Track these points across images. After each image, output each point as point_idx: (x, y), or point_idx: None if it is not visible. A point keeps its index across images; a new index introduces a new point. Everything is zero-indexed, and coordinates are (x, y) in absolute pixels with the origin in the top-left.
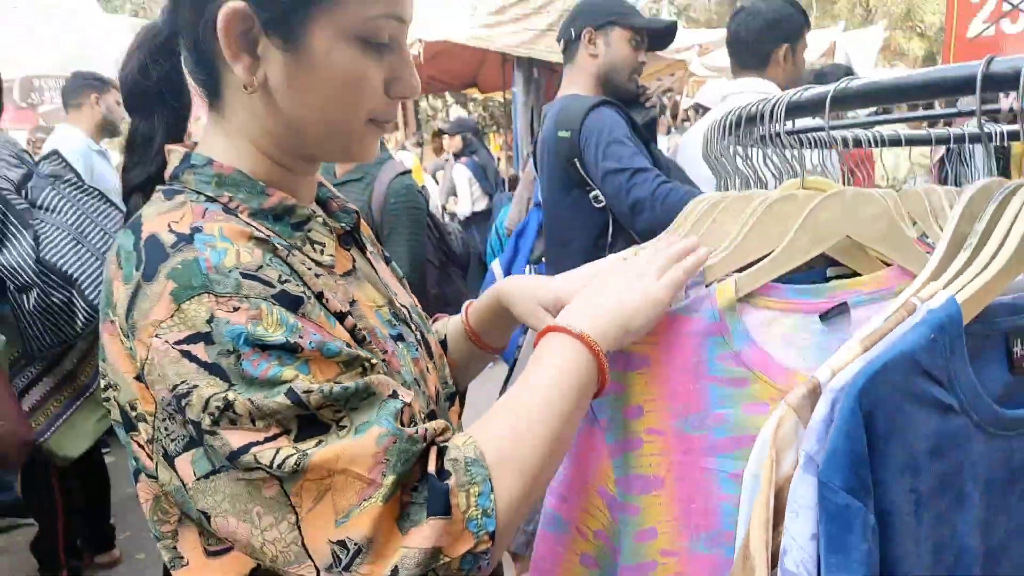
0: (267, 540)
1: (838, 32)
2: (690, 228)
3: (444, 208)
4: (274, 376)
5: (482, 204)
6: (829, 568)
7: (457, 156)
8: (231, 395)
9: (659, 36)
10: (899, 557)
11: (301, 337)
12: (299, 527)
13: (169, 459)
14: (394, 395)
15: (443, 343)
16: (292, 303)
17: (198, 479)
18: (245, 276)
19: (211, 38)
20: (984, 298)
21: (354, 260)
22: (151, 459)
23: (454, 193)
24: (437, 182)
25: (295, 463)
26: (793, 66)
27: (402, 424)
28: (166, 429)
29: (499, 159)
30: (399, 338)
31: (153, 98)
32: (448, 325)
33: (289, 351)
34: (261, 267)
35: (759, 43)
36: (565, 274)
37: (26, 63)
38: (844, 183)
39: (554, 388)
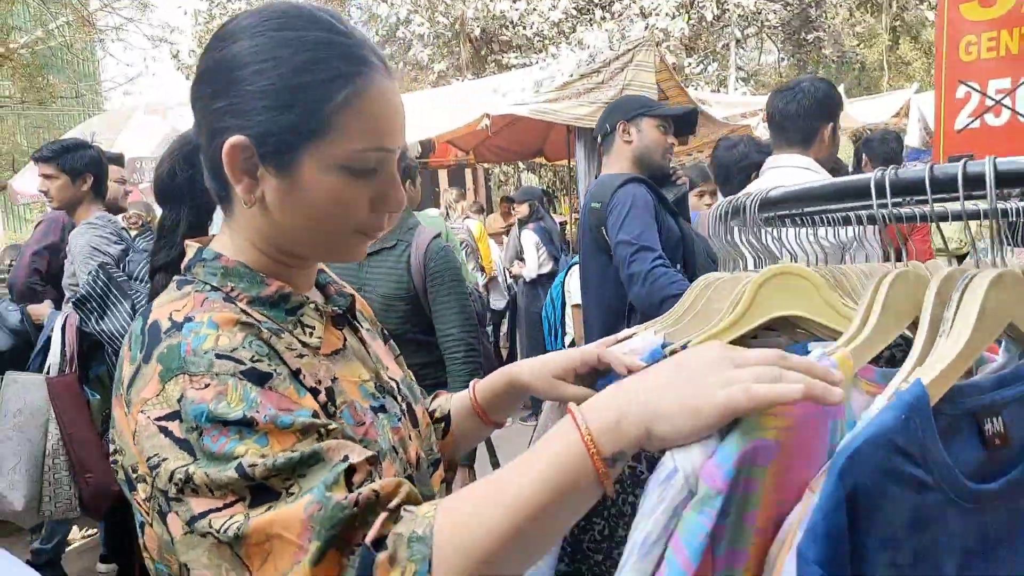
0: None
1: (911, 93)
2: (688, 306)
3: (508, 271)
4: (229, 451)
5: (548, 266)
6: None
7: (524, 222)
8: (192, 468)
9: (684, 123)
10: None
11: (258, 412)
12: None
13: (162, 515)
14: (345, 459)
15: (446, 418)
16: (260, 378)
17: (183, 535)
18: (219, 356)
19: (220, 160)
20: (948, 379)
21: (345, 339)
22: (148, 515)
23: (519, 257)
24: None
25: (237, 529)
26: (833, 144)
27: (349, 486)
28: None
29: (566, 222)
30: (381, 409)
31: (179, 195)
32: (452, 401)
33: (247, 425)
34: (236, 348)
35: (808, 121)
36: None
37: (132, 146)
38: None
39: (532, 479)
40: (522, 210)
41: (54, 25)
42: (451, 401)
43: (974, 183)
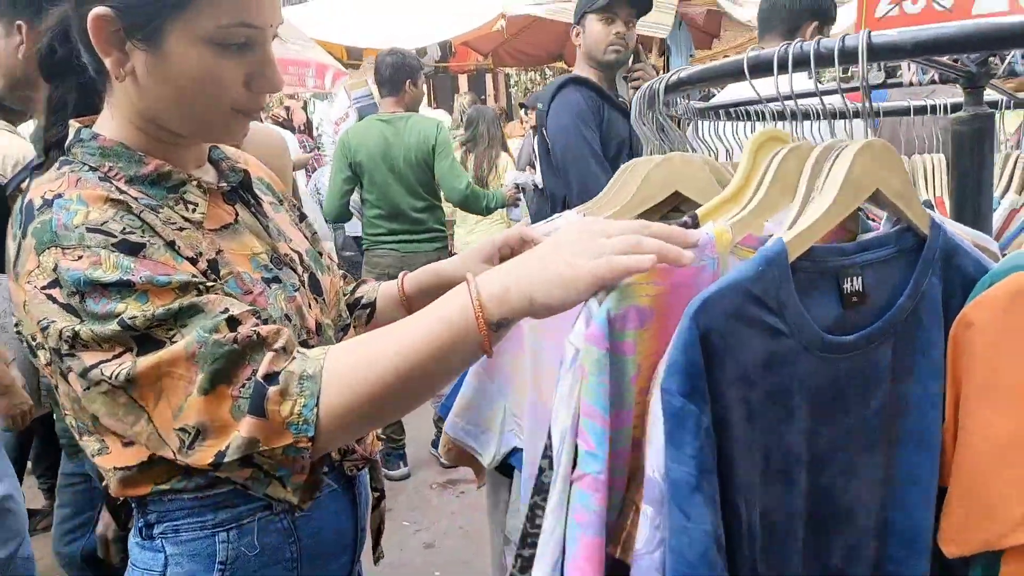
0: (135, 433)
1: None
2: (608, 189)
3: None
4: (111, 309)
5: None
6: (667, 460)
7: (537, 128)
8: (78, 327)
9: (637, 4)
10: (735, 457)
11: (133, 275)
12: (152, 422)
13: (63, 375)
14: (225, 311)
15: (372, 305)
16: (132, 249)
17: (84, 390)
18: (89, 230)
19: (87, 32)
20: (807, 239)
21: (237, 214)
22: (53, 377)
23: (531, 164)
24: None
25: (127, 372)
26: None
27: (232, 331)
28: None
29: None
30: (275, 280)
31: (62, 71)
32: (380, 289)
33: (125, 286)
34: (105, 222)
35: (789, 14)
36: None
37: None
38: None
39: (420, 331)
40: (532, 116)
41: None
42: (378, 290)
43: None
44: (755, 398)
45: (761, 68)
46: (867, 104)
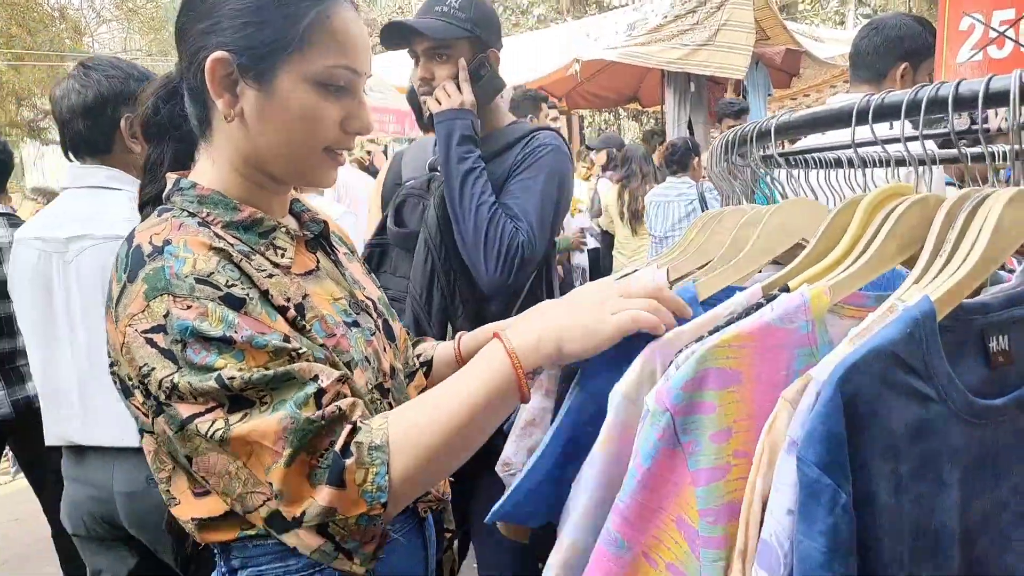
0: (232, 473)
1: None
2: (691, 240)
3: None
4: (210, 363)
5: None
6: (797, 534)
7: (604, 170)
8: (176, 377)
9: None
10: (880, 535)
11: (236, 332)
12: (247, 466)
13: (157, 417)
14: (315, 379)
15: (428, 364)
16: (235, 303)
17: (175, 432)
18: (198, 281)
19: (202, 80)
20: (956, 296)
21: (318, 261)
22: (148, 417)
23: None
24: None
25: (221, 435)
26: (909, 86)
27: (319, 405)
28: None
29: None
30: (354, 324)
31: (163, 130)
32: (437, 349)
33: (226, 343)
34: (212, 273)
35: (877, 58)
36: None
37: None
38: None
39: (468, 389)
40: (600, 158)
41: None
42: (436, 349)
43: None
44: (904, 470)
45: (885, 113)
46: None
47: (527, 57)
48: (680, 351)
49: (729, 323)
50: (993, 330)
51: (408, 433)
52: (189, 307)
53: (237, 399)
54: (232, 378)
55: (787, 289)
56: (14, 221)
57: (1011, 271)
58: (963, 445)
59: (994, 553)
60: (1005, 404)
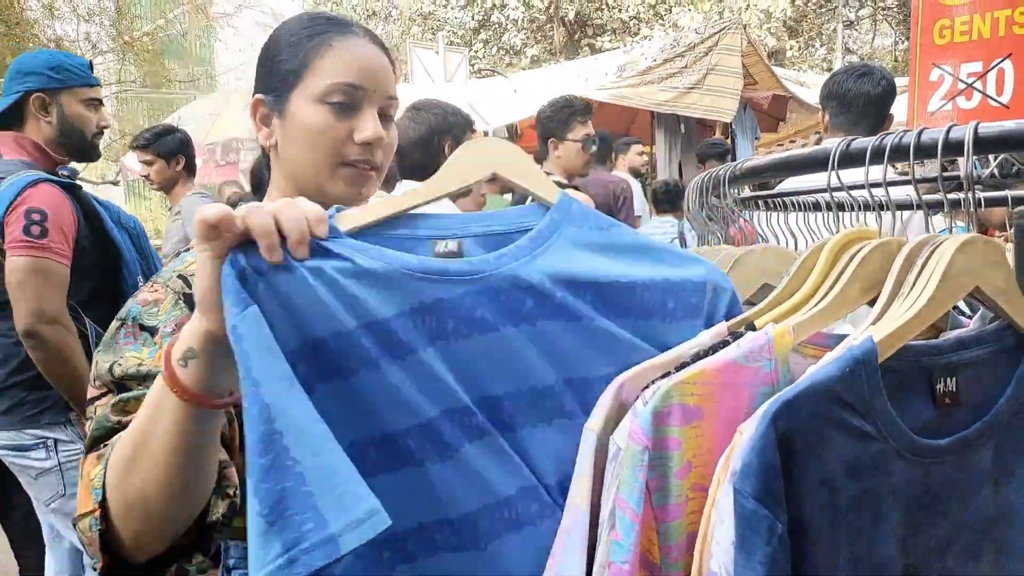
0: None
1: None
2: None
3: None
4: (126, 349)
5: None
6: (736, 565)
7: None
8: (96, 356)
9: None
10: (816, 564)
11: (165, 326)
12: None
13: None
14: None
15: None
16: (192, 305)
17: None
18: (179, 276)
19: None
20: (900, 337)
21: None
22: None
23: None
24: None
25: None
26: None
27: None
28: None
29: None
30: None
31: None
32: None
33: (151, 333)
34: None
35: (882, 107)
36: None
37: (229, 128)
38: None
39: (143, 408)
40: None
41: (172, 14)
42: None
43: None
44: (841, 503)
45: (853, 158)
46: (970, 196)
47: (520, 98)
48: (647, 386)
49: (696, 359)
50: (941, 372)
51: (115, 452)
52: (154, 291)
53: (120, 386)
54: (120, 366)
55: (752, 327)
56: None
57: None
58: (905, 482)
59: None
60: (949, 445)
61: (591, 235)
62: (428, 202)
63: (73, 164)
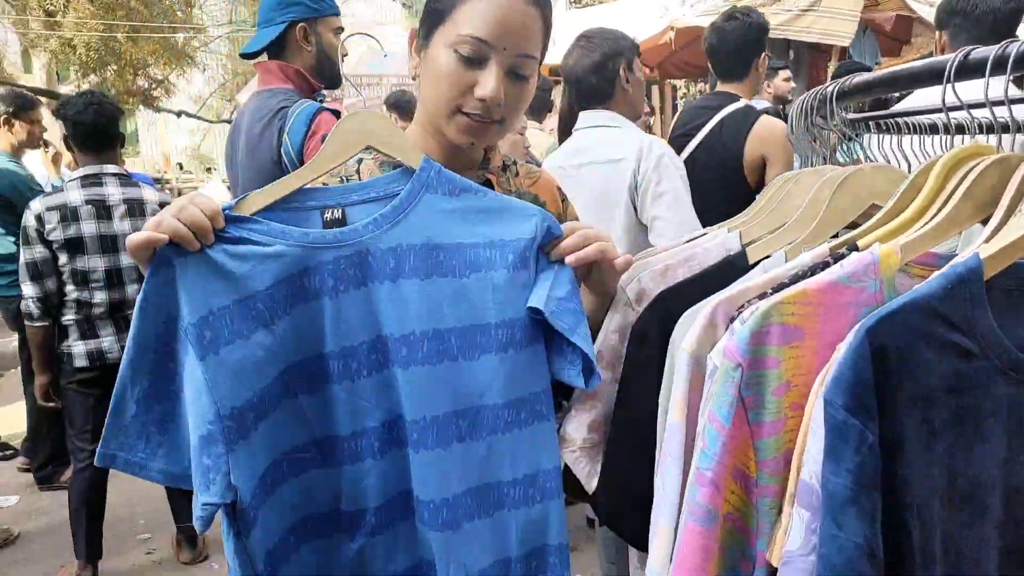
0: None
1: None
2: (763, 204)
3: None
4: None
5: None
6: (824, 472)
7: None
8: None
9: None
10: (908, 477)
11: None
12: None
13: None
14: None
15: None
16: None
17: None
18: None
19: None
20: (1011, 255)
21: None
22: None
23: None
24: None
25: None
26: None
27: None
28: None
29: None
30: None
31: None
32: None
33: None
34: None
35: (1012, 21)
36: None
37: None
38: None
39: None
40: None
41: None
42: None
43: None
44: (938, 419)
45: (972, 70)
46: None
47: (621, 25)
48: (742, 307)
49: (795, 280)
50: None
51: None
52: None
53: None
54: None
55: (856, 248)
56: (126, 181)
57: None
58: (1009, 402)
59: None
60: None
61: (444, 201)
62: (312, 181)
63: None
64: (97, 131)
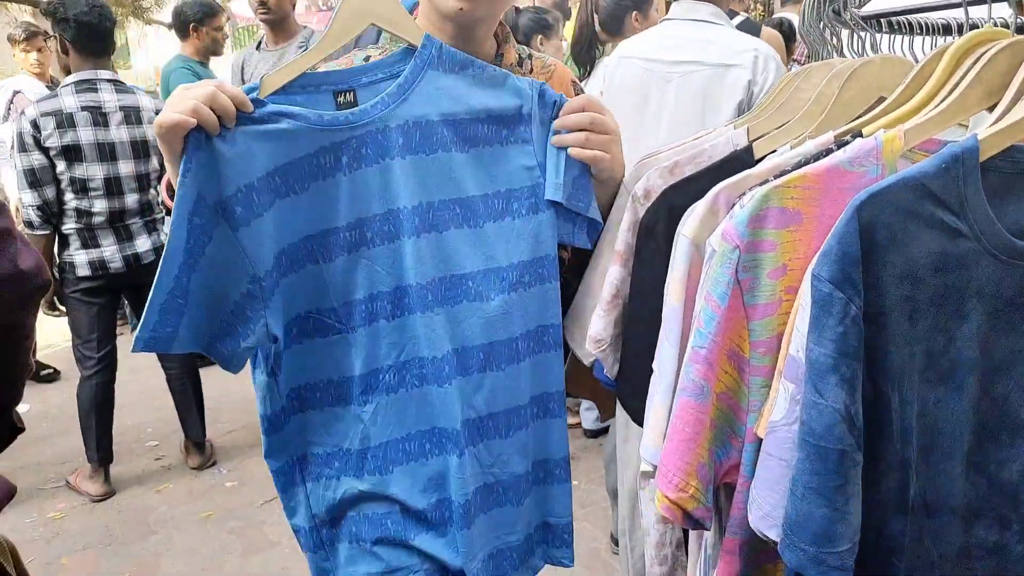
0: None
1: None
2: (774, 98)
3: None
4: None
5: None
6: (808, 343)
7: None
8: None
9: None
10: (890, 351)
11: None
12: None
13: None
14: None
15: None
16: None
17: None
18: None
19: None
20: (1009, 136)
21: None
22: None
23: None
24: None
25: None
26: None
27: None
28: None
29: None
30: None
31: None
32: None
33: None
34: None
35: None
36: None
37: None
38: None
39: None
40: None
41: None
42: None
43: None
44: (922, 296)
45: None
46: None
47: None
48: (743, 194)
49: (797, 167)
50: None
51: None
52: None
53: None
54: None
55: (860, 135)
56: (121, 87)
57: None
58: (994, 282)
59: (1018, 396)
60: None
61: (445, 77)
62: (323, 59)
63: None
64: (100, 33)
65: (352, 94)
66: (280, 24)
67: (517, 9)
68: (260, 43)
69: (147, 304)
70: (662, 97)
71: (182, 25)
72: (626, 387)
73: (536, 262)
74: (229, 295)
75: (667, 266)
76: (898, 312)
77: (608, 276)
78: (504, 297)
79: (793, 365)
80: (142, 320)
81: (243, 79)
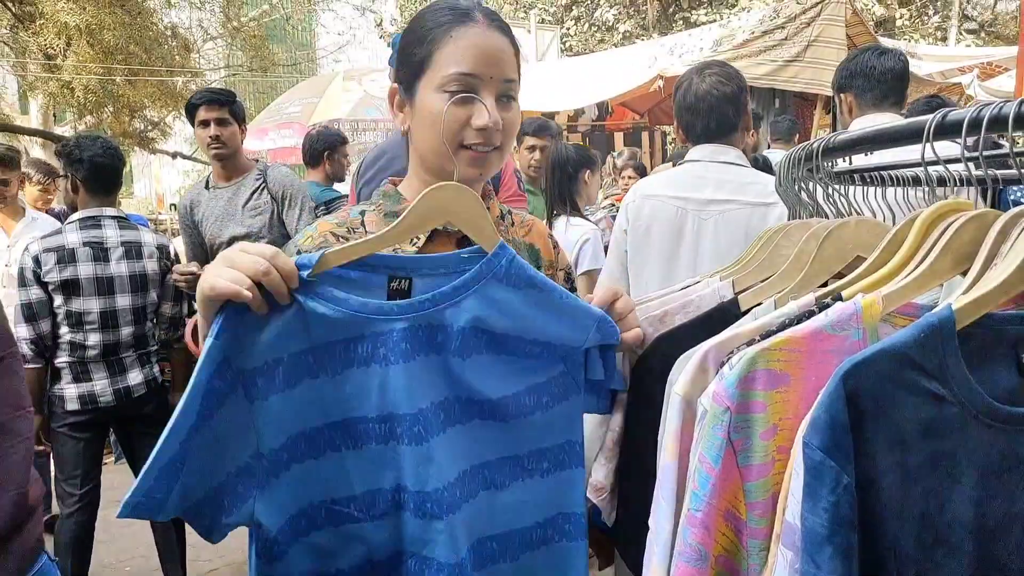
0: None
1: None
2: (756, 251)
3: None
4: None
5: None
6: (802, 511)
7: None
8: None
9: None
10: (884, 518)
11: None
12: None
13: None
14: None
15: None
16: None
17: None
18: (298, 251)
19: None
20: (982, 305)
21: None
22: None
23: None
24: None
25: None
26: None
27: None
28: None
29: None
30: None
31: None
32: None
33: None
34: (308, 250)
35: (904, 80)
36: None
37: (328, 110)
38: None
39: None
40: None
41: (276, 0)
42: None
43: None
44: (912, 462)
45: (948, 130)
46: None
47: (610, 74)
48: (731, 353)
49: (782, 328)
50: None
51: None
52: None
53: None
54: None
55: (840, 298)
56: (124, 224)
57: None
58: (982, 447)
59: (1019, 557)
60: None
61: (506, 292)
62: (392, 246)
63: None
64: (113, 174)
65: (408, 282)
66: (231, 159)
67: (563, 144)
68: (208, 181)
69: (147, 464)
70: (698, 233)
71: (313, 154)
72: (624, 536)
73: (561, 447)
74: (225, 466)
75: (658, 417)
76: (891, 478)
77: (611, 423)
78: (520, 484)
79: (790, 532)
80: (136, 482)
81: (193, 221)
